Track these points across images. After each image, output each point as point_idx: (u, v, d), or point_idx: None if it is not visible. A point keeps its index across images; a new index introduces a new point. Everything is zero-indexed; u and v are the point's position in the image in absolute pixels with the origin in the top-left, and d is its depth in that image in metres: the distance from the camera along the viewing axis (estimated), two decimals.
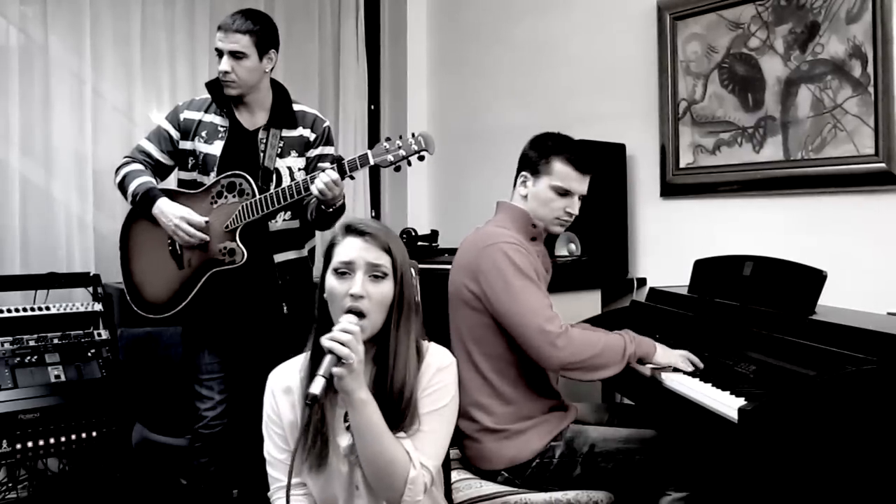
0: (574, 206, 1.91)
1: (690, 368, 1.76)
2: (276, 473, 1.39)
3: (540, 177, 1.89)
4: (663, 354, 1.78)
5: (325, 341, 1.23)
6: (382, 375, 1.35)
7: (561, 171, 1.87)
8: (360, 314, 1.30)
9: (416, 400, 1.35)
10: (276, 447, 1.40)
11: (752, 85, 2.47)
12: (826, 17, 2.26)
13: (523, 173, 1.93)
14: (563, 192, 1.88)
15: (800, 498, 1.41)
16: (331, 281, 1.34)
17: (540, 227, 1.92)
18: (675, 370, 1.77)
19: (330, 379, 1.21)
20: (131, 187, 2.15)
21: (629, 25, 2.85)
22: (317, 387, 1.18)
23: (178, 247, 2.15)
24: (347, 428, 1.35)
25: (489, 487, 1.76)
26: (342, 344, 1.22)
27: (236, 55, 2.08)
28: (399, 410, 1.33)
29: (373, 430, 1.27)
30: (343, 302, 1.30)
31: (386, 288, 1.34)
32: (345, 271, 1.32)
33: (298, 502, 1.38)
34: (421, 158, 1.97)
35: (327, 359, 1.22)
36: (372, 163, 1.97)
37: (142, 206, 2.15)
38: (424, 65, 3.88)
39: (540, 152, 1.90)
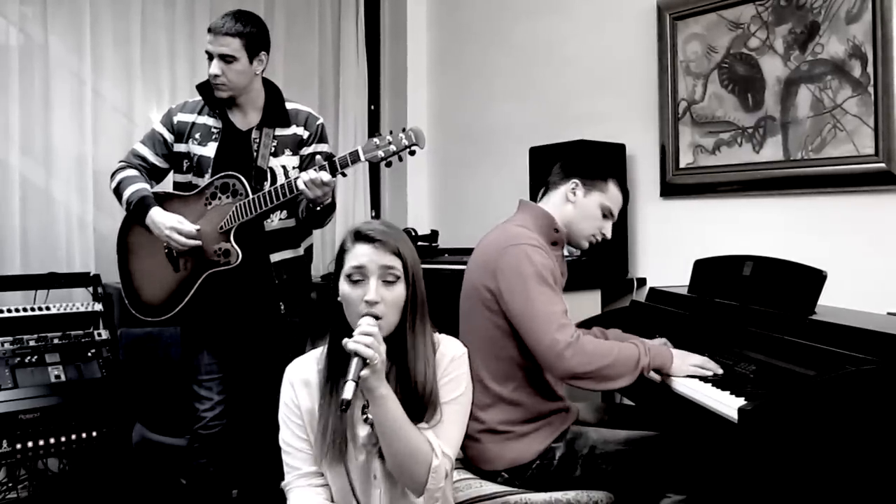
0: (608, 231, 1.93)
1: (710, 374, 1.71)
2: (294, 462, 1.43)
3: (593, 191, 1.88)
4: (680, 366, 1.72)
5: (351, 344, 1.27)
6: (404, 372, 1.40)
7: (614, 195, 1.90)
8: (376, 317, 1.34)
9: (436, 393, 1.41)
10: (295, 436, 1.43)
11: (751, 85, 2.46)
12: (826, 17, 2.26)
13: (575, 180, 1.88)
14: (607, 215, 1.90)
15: (800, 498, 1.41)
16: (344, 287, 1.38)
17: (562, 234, 1.89)
18: None
19: (358, 381, 1.25)
20: (125, 194, 2.16)
21: (629, 25, 2.85)
22: (349, 392, 1.23)
23: (173, 249, 2.15)
24: (365, 420, 1.39)
25: (489, 487, 1.76)
26: (366, 346, 1.27)
27: (226, 58, 2.07)
28: (422, 404, 1.39)
29: (394, 423, 1.33)
30: (359, 308, 1.35)
31: (399, 290, 1.38)
32: (358, 278, 1.36)
33: (316, 492, 1.41)
34: (412, 153, 1.96)
35: (354, 362, 1.26)
36: (363, 159, 1.95)
37: (135, 215, 2.15)
38: (424, 64, 3.88)
39: (599, 168, 1.90)
